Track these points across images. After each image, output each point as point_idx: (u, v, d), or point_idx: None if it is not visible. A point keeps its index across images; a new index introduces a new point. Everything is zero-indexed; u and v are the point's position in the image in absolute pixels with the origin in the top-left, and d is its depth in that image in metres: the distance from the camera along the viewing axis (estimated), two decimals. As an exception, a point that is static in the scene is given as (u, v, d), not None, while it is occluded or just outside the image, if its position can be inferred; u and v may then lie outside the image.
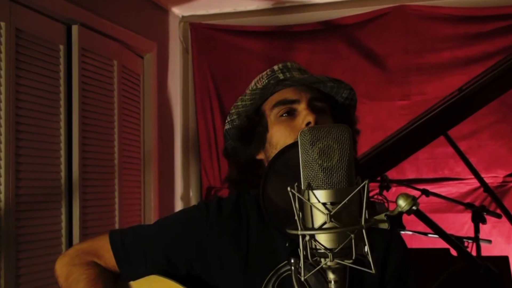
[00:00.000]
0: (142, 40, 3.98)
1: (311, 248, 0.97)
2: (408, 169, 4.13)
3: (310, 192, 0.97)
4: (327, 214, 0.95)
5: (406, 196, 1.01)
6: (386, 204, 2.81)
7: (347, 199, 0.95)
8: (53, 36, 3.04)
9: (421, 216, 1.01)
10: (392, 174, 4.14)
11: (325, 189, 0.96)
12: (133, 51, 3.90)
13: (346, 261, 0.97)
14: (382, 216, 1.00)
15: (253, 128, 1.38)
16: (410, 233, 3.21)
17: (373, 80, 4.19)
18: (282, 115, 1.36)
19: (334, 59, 4.26)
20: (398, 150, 2.35)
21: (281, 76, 1.38)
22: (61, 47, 3.10)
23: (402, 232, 3.19)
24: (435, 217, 3.90)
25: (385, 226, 1.00)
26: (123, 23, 3.70)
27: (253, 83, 1.46)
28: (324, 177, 0.95)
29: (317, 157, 0.96)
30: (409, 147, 2.34)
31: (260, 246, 1.34)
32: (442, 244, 3.10)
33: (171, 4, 4.34)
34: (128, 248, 1.39)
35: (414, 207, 1.01)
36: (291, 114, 1.35)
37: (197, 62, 4.51)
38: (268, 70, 1.44)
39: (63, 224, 3.04)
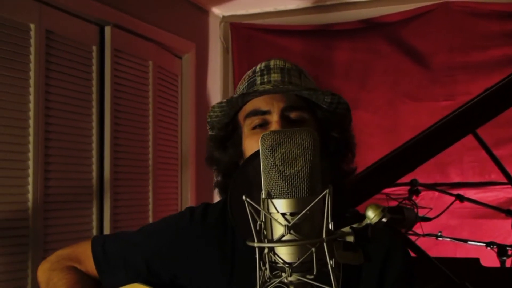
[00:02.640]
0: (180, 40, 3.98)
1: (270, 262, 0.91)
2: (452, 172, 3.98)
3: (269, 201, 0.91)
4: (285, 225, 0.89)
5: (376, 207, 0.94)
6: (415, 210, 2.69)
7: (306, 209, 0.88)
8: (85, 37, 3.07)
9: (394, 230, 0.94)
10: (435, 177, 4.01)
11: (284, 198, 0.90)
12: (170, 52, 3.90)
13: (308, 276, 0.91)
14: (347, 229, 0.93)
15: (227, 139, 1.32)
16: (448, 239, 3.08)
17: (416, 80, 4.05)
18: (254, 127, 1.27)
19: (375, 58, 4.15)
20: (423, 150, 2.23)
21: (258, 80, 1.29)
22: (94, 48, 3.12)
23: (440, 239, 3.09)
24: (478, 223, 3.78)
25: (350, 239, 0.93)
26: (160, 24, 3.71)
27: (240, 82, 1.39)
28: (283, 185, 0.89)
29: (277, 164, 0.89)
30: (435, 146, 2.22)
31: (246, 256, 1.29)
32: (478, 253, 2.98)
33: (211, 4, 4.33)
34: (109, 255, 1.36)
35: (383, 219, 0.94)
36: (264, 126, 1.26)
37: (238, 62, 4.48)
38: (251, 69, 1.35)
39: (94, 224, 3.06)
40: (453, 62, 3.95)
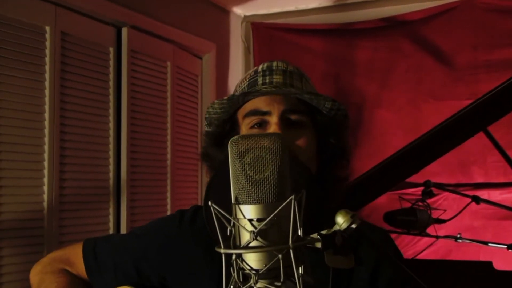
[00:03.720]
0: (200, 41, 3.99)
1: (238, 268, 0.90)
2: (475, 172, 3.90)
3: (237, 207, 0.90)
4: (251, 231, 0.88)
5: (345, 213, 0.93)
6: (428, 211, 2.64)
7: (272, 215, 0.87)
8: (102, 38, 3.10)
9: (364, 236, 0.92)
10: (458, 177, 3.94)
11: (251, 204, 0.88)
12: (190, 52, 3.91)
13: (276, 283, 0.89)
14: (316, 235, 0.91)
15: (224, 136, 1.31)
16: (468, 241, 3.02)
17: (438, 78, 3.98)
18: (253, 127, 1.27)
19: (397, 57, 4.09)
20: (433, 147, 2.18)
21: (260, 80, 1.29)
22: (111, 49, 3.15)
23: (460, 241, 3.03)
24: (502, 225, 3.69)
25: (318, 245, 0.91)
26: (179, 25, 3.73)
27: (240, 80, 1.38)
28: (250, 191, 0.88)
29: (244, 169, 0.88)
30: (445, 144, 2.18)
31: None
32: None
33: (232, 4, 4.33)
34: (99, 257, 1.36)
35: (353, 225, 0.92)
36: (263, 125, 1.26)
37: (259, 61, 4.46)
38: (254, 69, 1.34)
39: (111, 225, 3.09)
40: (476, 60, 3.87)
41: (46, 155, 2.71)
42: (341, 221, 0.92)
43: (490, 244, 2.95)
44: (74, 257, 1.38)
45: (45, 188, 2.70)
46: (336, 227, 0.92)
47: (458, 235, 2.96)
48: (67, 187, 2.83)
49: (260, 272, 0.88)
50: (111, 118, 3.12)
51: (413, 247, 3.78)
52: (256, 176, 0.87)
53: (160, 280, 1.33)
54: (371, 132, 4.12)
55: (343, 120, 1.31)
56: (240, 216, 0.89)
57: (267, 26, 4.48)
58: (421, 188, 3.12)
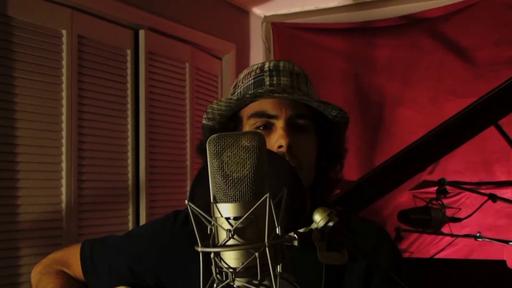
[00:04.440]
0: (219, 41, 4.01)
1: (216, 266, 0.91)
2: (498, 170, 3.84)
3: (214, 205, 0.91)
4: (227, 230, 0.89)
5: (323, 211, 0.93)
6: (443, 210, 2.61)
7: (247, 213, 0.87)
8: (119, 41, 3.14)
9: (339, 233, 0.91)
10: (480, 175, 3.88)
11: (228, 202, 0.89)
12: (209, 53, 3.94)
13: (254, 281, 0.90)
14: (292, 234, 0.92)
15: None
16: (487, 240, 2.98)
17: (460, 76, 3.93)
18: (258, 128, 1.26)
19: (417, 55, 4.05)
20: (443, 142, 2.15)
21: (267, 80, 1.27)
22: (129, 51, 3.19)
23: (480, 240, 2.99)
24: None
25: (294, 243, 0.91)
26: (197, 26, 3.75)
27: (242, 75, 1.36)
28: (227, 189, 0.88)
29: (221, 168, 0.89)
30: (456, 138, 2.14)
31: None
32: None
33: (252, 5, 4.34)
34: (95, 259, 1.38)
35: (330, 223, 0.92)
36: (268, 127, 1.26)
37: (279, 61, 4.46)
38: (259, 67, 1.33)
39: (130, 225, 3.13)
40: (497, 57, 3.80)
41: (64, 157, 2.76)
42: (318, 219, 0.92)
43: (511, 243, 2.91)
44: (72, 258, 1.41)
45: (63, 189, 2.75)
46: (314, 225, 0.92)
47: (478, 234, 2.93)
48: (86, 188, 2.87)
49: (237, 271, 0.88)
50: (129, 119, 3.16)
51: (435, 246, 3.75)
52: (232, 175, 0.88)
53: (155, 281, 1.34)
54: (392, 131, 4.09)
55: (345, 125, 1.33)
56: (217, 214, 0.90)
57: (287, 26, 4.48)
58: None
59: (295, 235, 0.91)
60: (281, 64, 1.32)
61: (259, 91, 1.25)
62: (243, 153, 0.89)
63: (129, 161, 3.15)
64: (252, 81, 1.30)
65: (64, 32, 2.79)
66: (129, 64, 3.18)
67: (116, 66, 3.11)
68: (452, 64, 3.96)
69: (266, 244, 0.87)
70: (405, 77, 4.10)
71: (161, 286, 1.34)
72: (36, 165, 2.66)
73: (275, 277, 0.88)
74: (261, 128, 1.26)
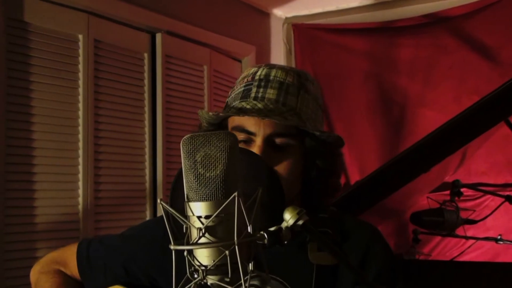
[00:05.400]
0: (238, 44, 4.02)
1: (190, 264, 0.92)
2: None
3: (187, 204, 0.91)
4: (198, 228, 0.89)
5: (292, 209, 0.92)
6: (458, 212, 2.56)
7: (216, 212, 0.88)
8: (136, 45, 3.17)
9: (309, 232, 0.90)
10: (505, 176, 3.80)
11: (199, 201, 0.89)
12: (228, 56, 3.95)
13: (226, 278, 0.90)
14: (261, 233, 0.91)
15: None
16: (508, 243, 2.92)
17: (484, 75, 3.85)
18: (239, 141, 1.23)
19: (440, 54, 3.99)
20: (453, 138, 2.10)
21: (253, 92, 1.25)
22: (145, 55, 3.22)
23: (501, 243, 2.93)
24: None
25: (264, 241, 0.91)
26: (216, 29, 3.76)
27: (240, 77, 1.34)
28: (198, 188, 0.89)
29: (193, 167, 0.89)
30: (464, 135, 2.10)
31: None
32: None
33: (272, 6, 4.34)
34: (91, 259, 1.39)
35: (299, 221, 0.91)
36: (248, 143, 1.24)
37: (301, 63, 4.45)
38: (253, 72, 1.29)
39: (148, 226, 3.15)
40: (523, 55, 3.73)
41: (80, 159, 2.80)
42: (288, 217, 0.92)
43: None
44: (69, 258, 1.42)
45: (80, 191, 2.79)
46: (284, 224, 0.91)
47: (499, 237, 2.87)
48: (103, 190, 2.91)
49: (208, 268, 0.89)
50: (146, 122, 3.19)
51: (458, 249, 3.68)
52: (203, 174, 0.89)
53: (150, 280, 1.34)
54: (414, 131, 4.03)
55: (335, 142, 1.29)
56: (190, 213, 0.91)
57: (308, 27, 4.47)
58: (464, 189, 3.04)
59: (265, 234, 0.90)
60: (273, 72, 1.27)
61: (229, 112, 1.25)
62: (215, 152, 0.89)
63: (147, 164, 3.18)
64: (242, 89, 1.28)
65: (80, 36, 2.83)
66: (146, 68, 3.21)
67: (133, 70, 3.14)
68: (475, 63, 3.89)
69: (235, 242, 0.87)
70: (428, 77, 4.04)
71: (155, 286, 1.35)
72: (53, 168, 2.70)
73: (245, 274, 0.87)
74: (242, 142, 1.25)
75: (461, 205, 3.07)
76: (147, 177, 3.18)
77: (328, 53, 4.38)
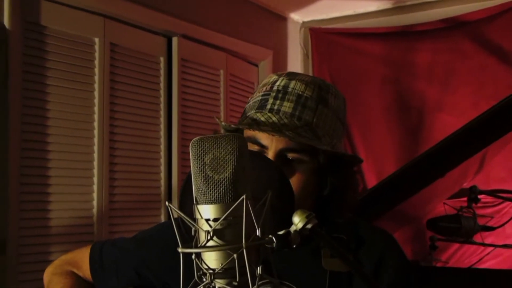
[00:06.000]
0: (255, 48, 4.01)
1: (198, 267, 0.90)
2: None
3: (196, 207, 0.90)
4: (206, 231, 0.88)
5: (301, 212, 0.90)
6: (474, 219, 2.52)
7: (225, 215, 0.86)
8: (152, 49, 3.18)
9: (318, 236, 0.88)
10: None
11: (207, 204, 0.88)
12: (245, 60, 3.94)
13: (234, 282, 0.88)
14: (270, 236, 0.89)
15: None
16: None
17: (503, 80, 3.80)
18: None
19: (458, 59, 3.94)
20: (469, 141, 2.06)
21: (269, 103, 1.23)
22: (162, 59, 3.22)
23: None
24: None
25: (272, 246, 0.89)
26: (232, 33, 3.76)
27: (262, 83, 1.31)
28: (206, 191, 0.88)
29: (202, 169, 0.89)
30: (483, 138, 2.06)
31: None
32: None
33: (289, 10, 4.33)
34: (104, 261, 1.39)
35: (308, 225, 0.89)
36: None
37: (318, 68, 4.43)
38: (272, 81, 1.27)
39: (163, 231, 3.14)
40: (543, 60, 3.68)
41: (95, 163, 2.80)
42: (296, 220, 0.90)
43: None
44: (82, 260, 1.41)
45: (95, 195, 2.79)
46: (293, 227, 0.90)
47: (518, 243, 2.82)
48: (117, 194, 2.91)
49: (216, 272, 0.87)
50: (162, 126, 3.19)
51: (478, 256, 3.63)
52: (212, 177, 0.88)
53: (162, 284, 1.33)
54: (432, 137, 3.98)
55: (351, 160, 1.28)
56: (198, 216, 0.89)
57: (326, 31, 4.45)
58: (483, 196, 3.00)
59: (273, 238, 0.88)
60: (292, 84, 1.24)
61: (243, 123, 1.24)
62: (224, 155, 0.88)
63: (162, 167, 3.17)
64: (259, 98, 1.26)
65: (96, 40, 2.83)
66: (162, 72, 3.21)
67: (149, 74, 3.14)
68: (495, 68, 3.84)
69: (244, 245, 0.85)
70: (446, 82, 4.01)
71: None
72: (68, 171, 2.71)
73: (254, 278, 0.86)
74: None
75: (480, 211, 3.03)
76: (162, 181, 3.17)
77: (346, 58, 4.36)
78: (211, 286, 0.89)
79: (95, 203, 2.79)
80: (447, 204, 2.68)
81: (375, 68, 4.22)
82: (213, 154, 0.88)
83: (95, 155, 2.80)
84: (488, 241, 3.06)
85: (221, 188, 0.87)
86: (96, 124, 2.81)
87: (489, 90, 3.85)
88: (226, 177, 0.87)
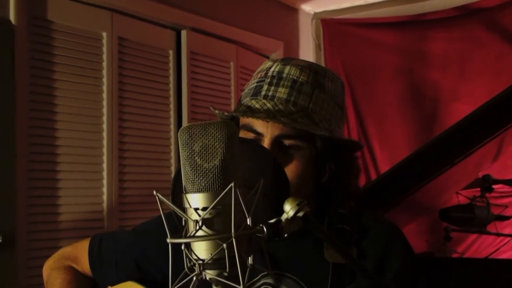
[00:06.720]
0: (266, 40, 3.98)
1: (188, 257, 0.88)
2: None
3: (184, 196, 0.88)
4: (195, 220, 0.85)
5: (293, 200, 0.87)
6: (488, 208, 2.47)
7: (213, 204, 0.84)
8: (161, 42, 3.16)
9: (310, 224, 0.85)
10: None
11: (196, 192, 0.86)
12: (256, 52, 3.91)
13: (224, 273, 0.86)
14: (260, 225, 0.87)
15: None
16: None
17: (519, 68, 3.74)
18: None
19: (473, 47, 3.88)
20: (479, 128, 2.01)
21: (264, 89, 1.19)
22: (171, 52, 3.20)
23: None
24: None
25: (262, 234, 0.86)
26: (242, 25, 3.73)
27: (257, 70, 1.27)
28: (195, 179, 0.86)
29: (190, 158, 0.86)
30: (492, 126, 2.01)
31: None
32: None
33: (300, 1, 4.28)
34: (103, 254, 1.37)
35: (299, 213, 0.86)
36: (257, 141, 1.19)
37: (330, 58, 4.39)
38: (267, 67, 1.24)
39: (174, 225, 3.13)
40: (559, 47, 3.60)
41: (105, 157, 2.79)
42: (287, 208, 0.87)
43: None
44: (81, 253, 1.40)
45: (105, 189, 2.78)
46: (284, 216, 0.87)
47: (535, 234, 2.76)
48: (127, 188, 2.90)
49: (205, 262, 0.85)
50: (171, 119, 3.17)
51: (495, 247, 3.57)
52: (200, 165, 0.86)
53: (162, 276, 1.31)
54: (447, 126, 3.91)
55: (350, 145, 1.25)
56: (187, 205, 0.87)
57: (338, 21, 4.40)
58: (500, 186, 2.95)
59: (264, 226, 0.85)
60: (287, 69, 1.20)
61: (237, 111, 1.22)
62: (212, 142, 0.86)
63: (172, 161, 3.16)
64: (254, 85, 1.23)
65: (104, 34, 2.82)
66: (171, 65, 3.20)
67: (158, 67, 3.13)
68: (510, 56, 3.77)
69: (233, 235, 0.83)
70: (461, 71, 3.94)
71: (167, 281, 1.31)
72: (77, 166, 2.71)
73: (244, 268, 0.84)
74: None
75: (496, 201, 2.97)
76: (172, 175, 3.14)
77: (358, 48, 4.31)
78: (200, 277, 0.87)
79: (105, 197, 2.78)
80: (460, 194, 2.62)
81: (388, 58, 4.17)
82: (202, 141, 0.86)
83: (104, 150, 2.79)
84: (504, 232, 3.00)
85: (210, 176, 0.85)
86: (105, 118, 2.80)
87: (505, 78, 3.76)
88: (215, 165, 0.85)
